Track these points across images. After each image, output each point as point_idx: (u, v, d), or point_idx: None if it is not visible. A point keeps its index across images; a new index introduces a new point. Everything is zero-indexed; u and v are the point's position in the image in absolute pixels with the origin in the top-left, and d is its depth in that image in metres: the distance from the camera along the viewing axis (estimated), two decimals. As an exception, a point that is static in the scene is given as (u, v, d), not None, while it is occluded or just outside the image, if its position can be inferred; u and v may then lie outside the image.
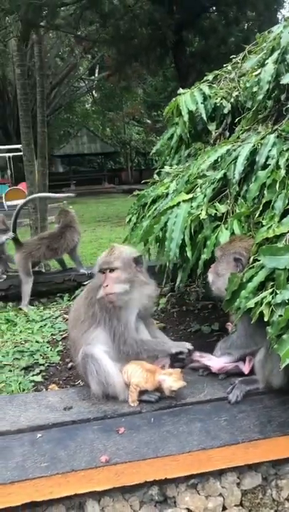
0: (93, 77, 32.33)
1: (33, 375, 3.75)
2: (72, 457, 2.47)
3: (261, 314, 2.48)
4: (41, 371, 3.84)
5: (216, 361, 3.12)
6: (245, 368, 3.03)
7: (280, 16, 16.03)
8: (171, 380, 2.81)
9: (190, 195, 3.50)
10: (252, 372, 2.98)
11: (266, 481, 2.73)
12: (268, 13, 14.51)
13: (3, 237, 6.25)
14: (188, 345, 3.07)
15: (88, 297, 3.10)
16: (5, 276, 6.30)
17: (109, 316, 2.96)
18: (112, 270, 2.95)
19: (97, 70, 32.71)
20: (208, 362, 3.12)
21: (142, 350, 2.96)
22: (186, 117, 4.41)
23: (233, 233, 3.08)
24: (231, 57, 4.96)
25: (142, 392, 2.86)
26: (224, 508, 2.66)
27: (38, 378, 3.71)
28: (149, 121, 37.11)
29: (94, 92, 32.77)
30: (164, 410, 2.80)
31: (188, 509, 2.62)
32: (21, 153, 10.33)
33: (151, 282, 3.18)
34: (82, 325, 3.04)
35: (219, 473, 2.63)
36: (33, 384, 3.63)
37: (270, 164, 3.03)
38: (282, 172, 2.91)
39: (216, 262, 3.04)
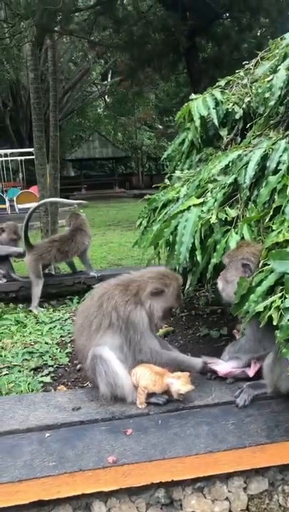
0: (106, 82, 32.54)
1: (42, 376, 3.77)
2: (80, 457, 2.49)
3: (270, 318, 2.49)
4: (50, 372, 3.86)
5: (224, 366, 3.12)
6: (251, 371, 3.04)
7: (293, 23, 16.04)
8: (180, 383, 2.83)
9: (201, 200, 3.52)
10: (259, 376, 2.98)
11: (273, 486, 2.72)
12: (282, 19, 14.50)
13: (10, 249, 6.30)
14: (200, 363, 3.13)
15: (102, 305, 3.05)
16: (5, 280, 6.31)
17: (125, 325, 2.98)
18: None
19: (109, 75, 32.93)
20: (215, 366, 3.13)
21: (157, 361, 2.99)
22: (197, 122, 4.43)
23: (242, 238, 3.09)
24: (244, 63, 4.98)
25: (150, 395, 2.88)
26: (230, 512, 2.66)
27: (47, 379, 3.73)
28: (160, 126, 37.21)
29: (106, 96, 32.98)
30: (171, 413, 2.82)
31: (194, 512, 2.62)
32: (33, 157, 10.39)
33: None
34: (94, 333, 3.02)
35: (226, 477, 2.64)
36: (41, 385, 3.65)
37: (281, 169, 3.05)
38: (293, 177, 2.91)
39: (225, 269, 3.05)
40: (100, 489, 2.45)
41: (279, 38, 4.34)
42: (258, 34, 17.70)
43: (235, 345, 3.17)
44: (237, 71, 4.95)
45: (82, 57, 25.82)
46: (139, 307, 3.01)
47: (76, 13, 12.61)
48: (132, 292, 3.05)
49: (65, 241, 6.22)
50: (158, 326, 3.20)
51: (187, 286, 3.83)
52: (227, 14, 15.85)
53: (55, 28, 10.31)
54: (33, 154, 11.47)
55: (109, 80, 32.69)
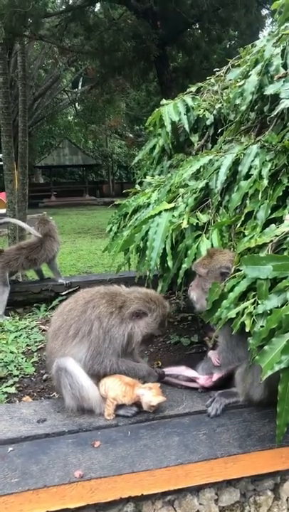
0: (76, 90, 32.40)
1: (7, 387, 3.61)
2: (45, 472, 2.36)
3: (242, 325, 2.43)
4: (15, 382, 3.71)
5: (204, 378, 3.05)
6: (204, 380, 2.98)
7: (261, 36, 16.39)
8: (151, 394, 2.73)
9: (172, 205, 3.48)
10: (231, 384, 2.92)
11: (245, 498, 2.65)
12: (250, 32, 14.79)
13: None
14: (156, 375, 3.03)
15: (86, 312, 2.91)
16: None
17: (104, 336, 2.84)
18: None
19: (80, 83, 32.82)
20: (199, 381, 3.05)
21: (117, 371, 2.88)
22: (168, 128, 4.40)
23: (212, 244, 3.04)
24: (215, 70, 4.99)
25: (118, 406, 2.77)
26: (201, 525, 2.58)
27: (12, 390, 3.58)
28: (131, 135, 37.31)
29: (77, 104, 32.79)
30: (141, 423, 2.72)
31: (164, 527, 2.52)
32: (1, 163, 10.19)
33: None
34: (70, 338, 2.88)
35: (197, 489, 2.55)
36: (6, 396, 3.50)
37: (252, 174, 3.02)
38: (265, 182, 2.89)
39: (200, 279, 2.94)
40: (65, 506, 2.32)
41: (250, 45, 4.36)
42: (228, 46, 18.02)
43: (207, 361, 3.08)
44: (208, 77, 4.96)
45: (53, 64, 25.64)
46: (124, 324, 2.88)
47: (47, 19, 12.51)
48: (117, 305, 2.91)
49: (34, 248, 6.07)
50: (136, 350, 3.05)
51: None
52: (197, 25, 16.05)
53: (25, 33, 10.19)
54: (1, 160, 11.25)
55: (80, 87, 32.58)
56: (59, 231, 6.63)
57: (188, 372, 3.10)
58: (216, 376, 2.98)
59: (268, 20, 16.95)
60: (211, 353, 3.04)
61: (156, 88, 19.71)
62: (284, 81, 3.09)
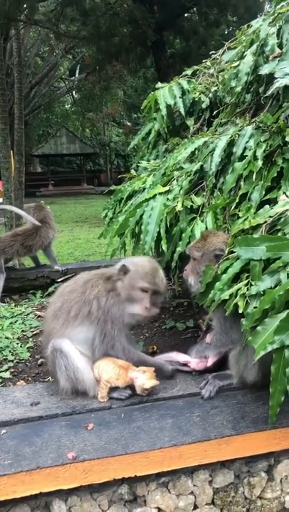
0: (73, 78, 32.10)
1: (1, 372, 3.60)
2: (38, 454, 2.35)
3: (236, 306, 2.42)
4: (10, 367, 3.69)
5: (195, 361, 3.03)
6: (195, 363, 2.98)
7: (259, 21, 16.16)
8: (144, 377, 2.73)
9: (166, 188, 3.44)
10: (225, 366, 2.91)
11: (238, 479, 2.66)
12: (248, 16, 14.57)
13: None
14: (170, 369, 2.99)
15: (85, 292, 2.90)
16: None
17: (104, 317, 2.83)
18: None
19: (77, 71, 32.50)
20: (191, 364, 3.04)
21: (128, 359, 2.84)
22: (164, 111, 4.34)
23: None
24: (211, 53, 4.92)
25: (112, 389, 2.77)
26: (195, 506, 2.58)
27: (6, 375, 3.57)
28: (128, 123, 37.07)
29: (74, 92, 32.51)
30: (134, 406, 2.72)
31: (158, 508, 2.53)
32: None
33: None
34: (72, 320, 2.87)
35: (191, 471, 2.55)
36: (0, 380, 3.49)
37: (247, 155, 2.98)
38: (260, 163, 2.85)
39: (195, 263, 2.92)
40: (59, 487, 2.32)
41: (246, 26, 4.30)
42: (226, 32, 17.81)
43: (201, 344, 3.08)
44: (204, 60, 4.89)
45: (50, 51, 25.36)
46: (121, 302, 2.87)
47: (42, 4, 12.35)
48: (113, 281, 2.92)
49: (29, 235, 6.04)
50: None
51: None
52: (195, 9, 15.85)
53: (20, 17, 10.06)
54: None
55: (77, 75, 32.28)
56: (56, 220, 6.60)
57: (180, 357, 3.08)
58: (210, 361, 2.96)
59: (267, 6, 16.76)
60: (208, 336, 3.03)
61: (154, 75, 19.52)
62: (279, 60, 3.04)
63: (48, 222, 6.19)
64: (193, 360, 3.01)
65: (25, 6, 9.89)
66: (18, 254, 6.07)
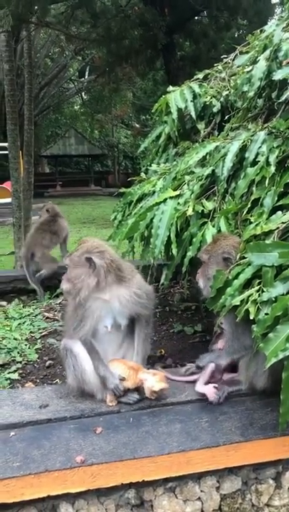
0: (83, 79, 32.20)
1: (9, 373, 3.62)
2: (46, 457, 2.35)
3: (247, 313, 2.41)
4: (18, 369, 3.71)
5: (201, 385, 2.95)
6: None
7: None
8: (154, 380, 2.72)
9: (177, 192, 3.43)
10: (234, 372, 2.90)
11: (246, 486, 2.65)
12: (259, 20, 14.54)
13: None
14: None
15: None
16: None
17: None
18: None
19: (87, 73, 32.60)
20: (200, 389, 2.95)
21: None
22: (175, 115, 4.34)
23: (219, 230, 3.00)
24: (222, 57, 4.91)
25: (121, 392, 2.76)
26: (202, 512, 2.57)
27: (15, 376, 3.58)
28: (137, 125, 37.09)
29: (83, 93, 32.60)
30: (143, 410, 2.71)
31: (165, 513, 2.52)
32: (7, 152, 10.14)
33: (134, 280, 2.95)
34: None
35: (198, 477, 2.54)
36: (9, 382, 3.50)
37: (259, 161, 2.97)
38: (272, 169, 2.84)
39: (204, 266, 2.91)
40: (66, 491, 2.32)
41: (258, 30, 4.29)
42: (236, 35, 17.78)
43: (215, 352, 3.04)
44: (215, 64, 4.88)
45: (60, 53, 25.46)
46: None
47: (53, 6, 12.39)
48: None
49: (50, 222, 6.29)
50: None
51: (162, 281, 3.74)
52: (205, 12, 15.85)
53: (32, 19, 10.09)
54: (6, 149, 11.20)
55: (86, 77, 32.37)
56: (64, 220, 6.69)
57: (199, 388, 2.95)
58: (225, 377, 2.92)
59: (278, 10, 16.72)
60: (220, 342, 3.01)
61: (163, 77, 19.52)
62: (293, 66, 3.03)
63: (60, 216, 6.40)
64: (209, 392, 2.82)
65: (36, 8, 9.90)
66: (52, 242, 6.26)
